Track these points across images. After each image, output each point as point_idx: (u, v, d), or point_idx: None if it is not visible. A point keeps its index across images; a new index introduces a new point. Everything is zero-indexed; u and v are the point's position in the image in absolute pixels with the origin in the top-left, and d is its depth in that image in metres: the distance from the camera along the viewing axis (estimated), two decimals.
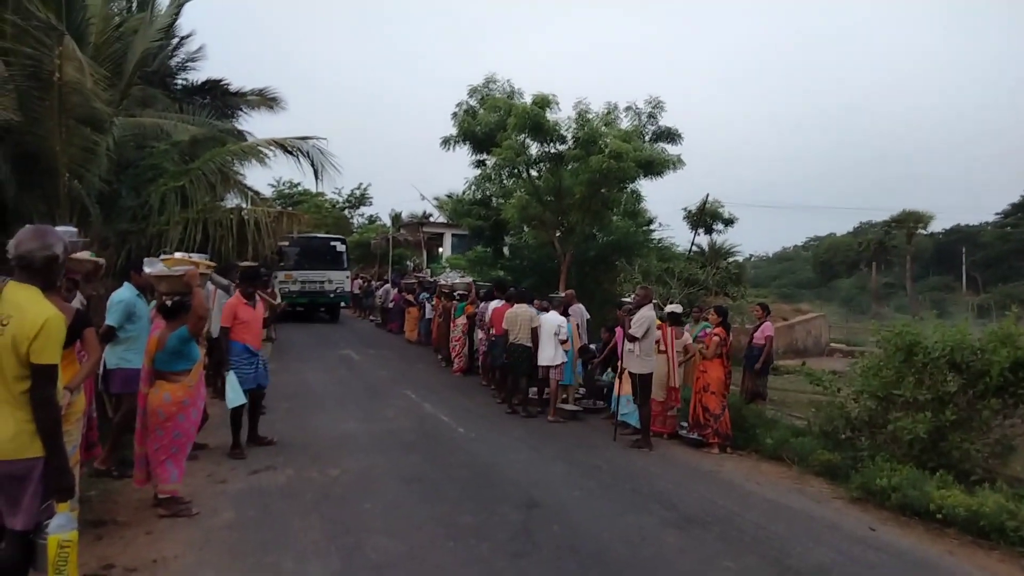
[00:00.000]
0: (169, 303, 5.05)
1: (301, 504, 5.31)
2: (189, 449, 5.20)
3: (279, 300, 10.47)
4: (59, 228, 3.69)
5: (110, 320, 5.60)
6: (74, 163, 9.92)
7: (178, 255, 5.47)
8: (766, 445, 7.72)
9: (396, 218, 37.87)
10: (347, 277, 23.10)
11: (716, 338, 8.24)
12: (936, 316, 8.07)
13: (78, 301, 5.22)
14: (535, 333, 9.44)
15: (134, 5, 14.73)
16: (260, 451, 6.73)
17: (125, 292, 5.79)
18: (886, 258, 53.81)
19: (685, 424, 8.63)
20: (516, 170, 15.45)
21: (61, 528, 2.87)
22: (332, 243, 23.00)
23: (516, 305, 9.71)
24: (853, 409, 7.64)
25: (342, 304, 24.00)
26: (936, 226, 54.29)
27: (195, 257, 5.48)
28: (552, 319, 9.56)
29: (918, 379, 6.85)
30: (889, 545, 5.24)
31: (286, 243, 19.74)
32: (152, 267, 5.06)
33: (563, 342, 9.42)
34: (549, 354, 9.37)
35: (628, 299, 9.13)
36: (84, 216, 9.81)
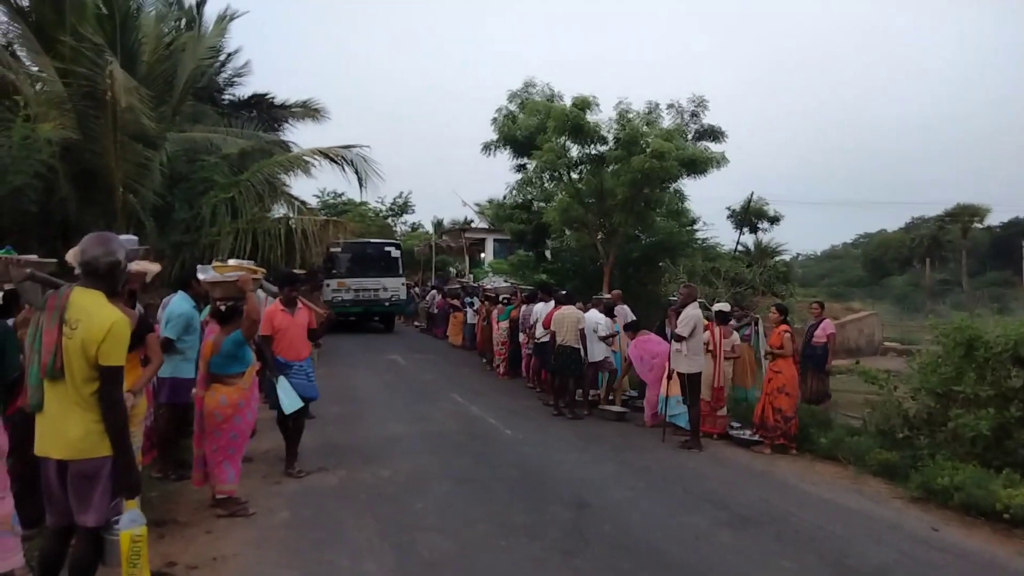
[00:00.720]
0: (223, 308, 5.18)
1: (354, 504, 5.39)
2: (245, 449, 5.33)
3: (325, 309, 10.13)
4: (121, 237, 3.82)
5: (169, 332, 5.69)
6: (129, 178, 10.29)
7: (232, 262, 5.59)
8: (820, 445, 7.55)
9: (438, 225, 38.24)
10: (403, 284, 21.71)
11: (787, 334, 7.95)
12: (996, 312, 7.78)
13: (137, 309, 5.39)
14: (583, 335, 9.45)
15: (183, 24, 15.19)
16: (312, 454, 6.83)
17: (184, 304, 5.88)
18: (940, 254, 52.05)
19: (737, 424, 8.49)
20: (557, 173, 15.48)
21: (132, 523, 2.98)
22: (387, 249, 21.76)
23: (563, 307, 9.71)
24: (911, 407, 7.42)
25: (398, 314, 22.83)
26: (993, 219, 52.34)
27: (246, 264, 5.60)
28: (591, 317, 9.67)
29: (980, 375, 6.62)
30: (954, 546, 5.07)
31: (338, 249, 19.09)
32: (205, 274, 5.20)
33: (604, 338, 9.49)
34: (592, 351, 9.50)
35: (675, 298, 9.05)
36: (139, 229, 10.16)
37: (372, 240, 22.93)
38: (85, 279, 3.06)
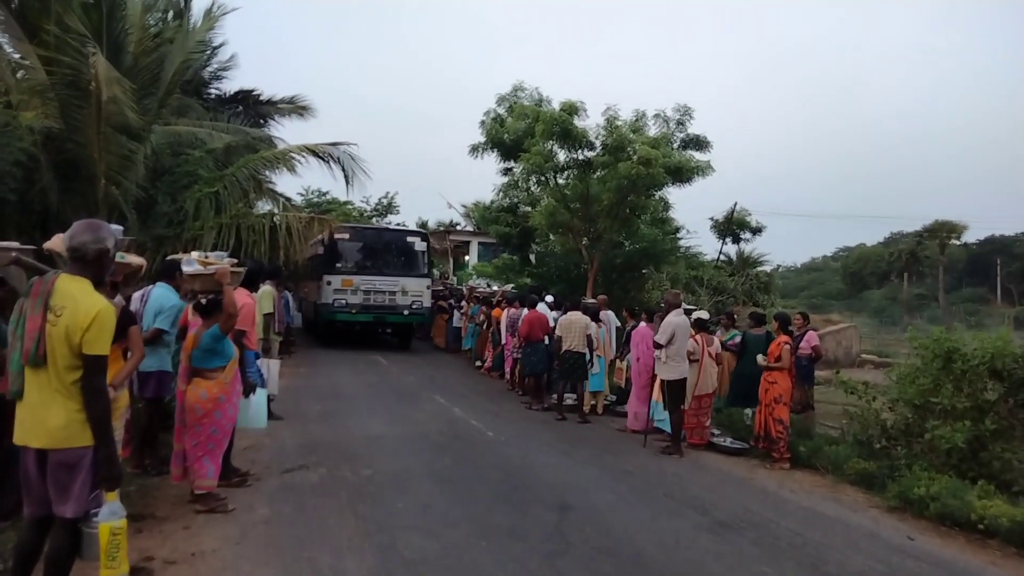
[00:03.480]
0: (204, 301, 5.11)
1: (335, 502, 5.34)
2: (225, 446, 5.25)
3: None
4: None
5: (162, 324, 5.58)
6: (112, 170, 10.18)
7: (195, 254, 5.50)
8: (799, 453, 7.61)
9: (423, 226, 38.10)
10: (427, 288, 17.01)
11: (787, 346, 7.87)
12: (971, 327, 7.91)
13: (117, 300, 5.30)
14: (590, 340, 9.48)
15: (170, 16, 15.04)
16: (293, 451, 6.79)
17: (173, 296, 5.75)
18: (918, 269, 52.86)
19: (717, 431, 8.54)
20: (543, 177, 15.48)
21: (112, 516, 2.93)
22: (409, 239, 17.38)
23: (570, 312, 9.73)
24: (889, 418, 7.52)
25: (419, 326, 18.32)
26: (970, 236, 53.44)
27: (212, 256, 5.50)
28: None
29: (956, 387, 6.73)
30: (929, 555, 5.14)
31: (345, 235, 15.75)
32: (190, 266, 5.12)
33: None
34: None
35: (663, 305, 9.07)
36: (121, 221, 10.03)
37: (391, 227, 18.88)
38: (72, 266, 3.01)
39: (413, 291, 16.29)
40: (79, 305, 2.87)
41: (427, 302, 16.95)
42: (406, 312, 16.29)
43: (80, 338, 2.85)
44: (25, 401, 2.94)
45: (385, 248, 16.84)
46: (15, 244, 3.88)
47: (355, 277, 15.82)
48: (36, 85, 10.22)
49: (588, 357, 9.54)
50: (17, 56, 11.08)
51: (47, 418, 2.90)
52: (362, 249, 16.60)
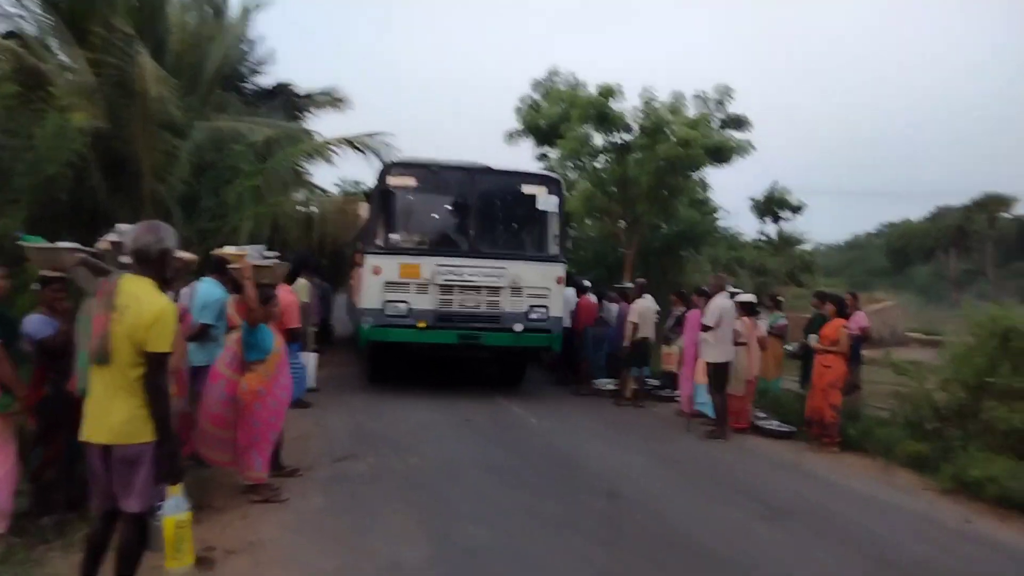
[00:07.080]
0: None
1: (387, 491, 5.39)
2: (272, 439, 5.23)
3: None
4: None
5: (206, 318, 5.59)
6: (157, 167, 10.40)
7: (229, 249, 5.52)
8: (848, 436, 7.48)
9: None
10: (557, 281, 9.36)
11: (844, 330, 7.62)
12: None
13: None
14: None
15: (211, 14, 15.20)
16: (343, 440, 6.87)
17: (216, 290, 5.75)
18: (966, 244, 51.17)
19: (762, 414, 8.44)
20: (580, 161, 15.39)
21: (176, 509, 3.00)
22: (526, 188, 9.45)
23: (644, 297, 9.72)
24: (941, 398, 7.33)
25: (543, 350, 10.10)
26: (1021, 209, 51.45)
27: (248, 249, 5.51)
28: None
29: (1015, 366, 6.53)
30: (988, 538, 5.06)
31: (410, 181, 9.05)
32: (252, 259, 5.16)
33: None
34: None
35: (705, 288, 8.97)
36: (166, 217, 10.24)
37: (490, 166, 9.47)
38: (136, 266, 3.08)
39: (532, 286, 9.15)
40: (142, 304, 2.93)
41: (556, 309, 9.38)
42: (518, 327, 9.02)
43: (143, 336, 2.91)
44: (91, 397, 3.02)
45: (483, 204, 9.46)
46: (78, 245, 3.98)
47: (425, 260, 8.88)
48: (84, 87, 10.46)
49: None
50: (66, 60, 11.36)
51: (110, 414, 2.96)
52: (440, 207, 9.93)
